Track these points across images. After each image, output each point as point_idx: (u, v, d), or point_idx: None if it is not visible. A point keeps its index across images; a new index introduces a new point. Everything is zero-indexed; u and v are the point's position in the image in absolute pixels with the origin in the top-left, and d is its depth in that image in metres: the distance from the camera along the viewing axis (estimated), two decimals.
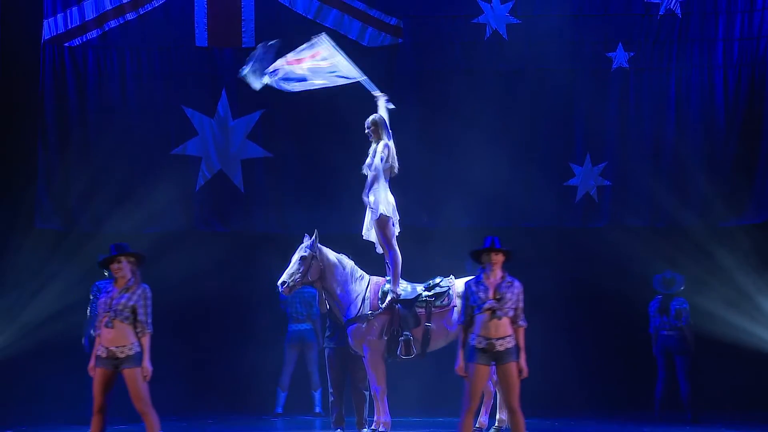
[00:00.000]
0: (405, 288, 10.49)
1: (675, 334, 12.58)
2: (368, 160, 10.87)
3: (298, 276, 10.53)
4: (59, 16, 13.50)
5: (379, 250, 10.55)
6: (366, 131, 10.84)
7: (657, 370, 12.74)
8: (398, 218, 10.66)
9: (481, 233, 12.58)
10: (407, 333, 10.38)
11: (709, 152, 13.62)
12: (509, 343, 8.45)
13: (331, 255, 10.66)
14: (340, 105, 12.30)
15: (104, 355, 8.38)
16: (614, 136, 13.73)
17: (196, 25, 13.69)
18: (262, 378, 13.62)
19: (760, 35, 13.41)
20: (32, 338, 13.45)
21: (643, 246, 13.33)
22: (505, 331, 8.46)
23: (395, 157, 10.79)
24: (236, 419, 13.19)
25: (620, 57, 13.61)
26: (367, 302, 10.57)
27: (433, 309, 10.51)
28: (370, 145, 10.92)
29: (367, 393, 10.78)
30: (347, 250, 10.93)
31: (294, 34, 12.13)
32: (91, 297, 12.69)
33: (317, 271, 10.54)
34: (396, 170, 10.78)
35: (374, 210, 10.54)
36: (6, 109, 13.49)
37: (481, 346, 8.39)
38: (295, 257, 10.59)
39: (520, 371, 8.43)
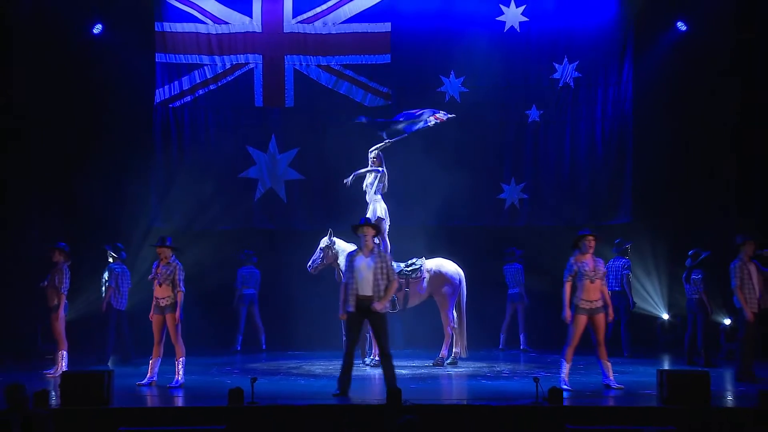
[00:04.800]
0: None
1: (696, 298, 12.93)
2: (367, 180, 12.52)
3: (319, 260, 12.41)
4: (166, 87, 15.56)
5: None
6: (371, 161, 12.47)
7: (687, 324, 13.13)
8: (388, 218, 12.45)
9: (441, 230, 15.21)
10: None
11: (593, 175, 15.61)
12: (167, 301, 10.06)
13: (343, 244, 12.37)
14: (351, 144, 13.95)
15: None
16: (530, 165, 15.70)
17: (255, 92, 15.55)
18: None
19: (625, 99, 15.51)
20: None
21: (550, 239, 14.68)
22: (165, 294, 10.08)
23: (386, 177, 12.66)
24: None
25: (534, 114, 15.64)
26: None
27: (410, 279, 12.40)
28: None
29: (367, 335, 12.40)
30: (354, 241, 11.77)
31: (319, 97, 14.83)
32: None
33: (333, 256, 12.35)
34: (386, 187, 12.61)
35: (373, 213, 12.27)
36: (132, 150, 15.34)
37: (155, 303, 10.22)
38: (318, 247, 12.54)
39: (174, 320, 9.94)
